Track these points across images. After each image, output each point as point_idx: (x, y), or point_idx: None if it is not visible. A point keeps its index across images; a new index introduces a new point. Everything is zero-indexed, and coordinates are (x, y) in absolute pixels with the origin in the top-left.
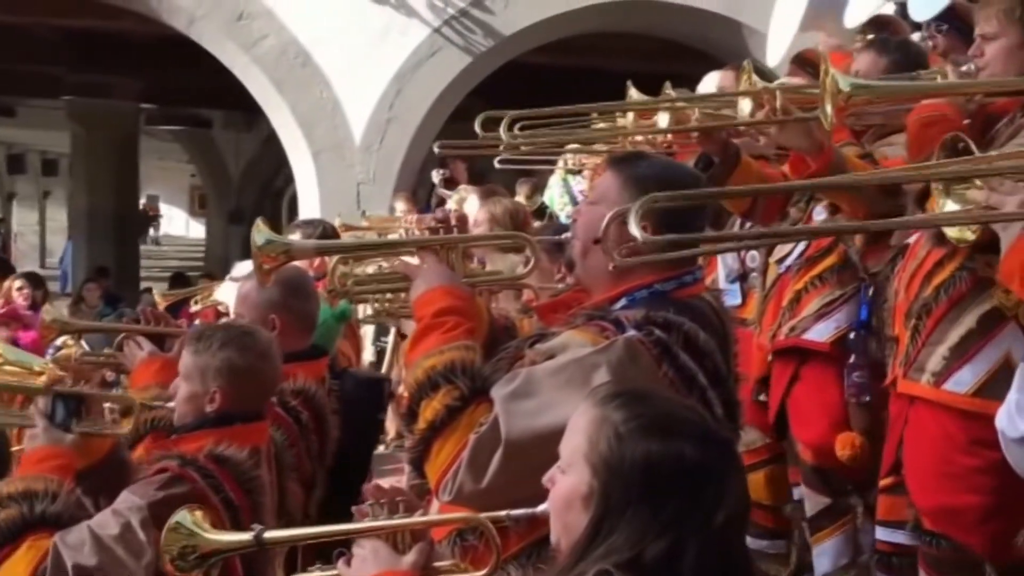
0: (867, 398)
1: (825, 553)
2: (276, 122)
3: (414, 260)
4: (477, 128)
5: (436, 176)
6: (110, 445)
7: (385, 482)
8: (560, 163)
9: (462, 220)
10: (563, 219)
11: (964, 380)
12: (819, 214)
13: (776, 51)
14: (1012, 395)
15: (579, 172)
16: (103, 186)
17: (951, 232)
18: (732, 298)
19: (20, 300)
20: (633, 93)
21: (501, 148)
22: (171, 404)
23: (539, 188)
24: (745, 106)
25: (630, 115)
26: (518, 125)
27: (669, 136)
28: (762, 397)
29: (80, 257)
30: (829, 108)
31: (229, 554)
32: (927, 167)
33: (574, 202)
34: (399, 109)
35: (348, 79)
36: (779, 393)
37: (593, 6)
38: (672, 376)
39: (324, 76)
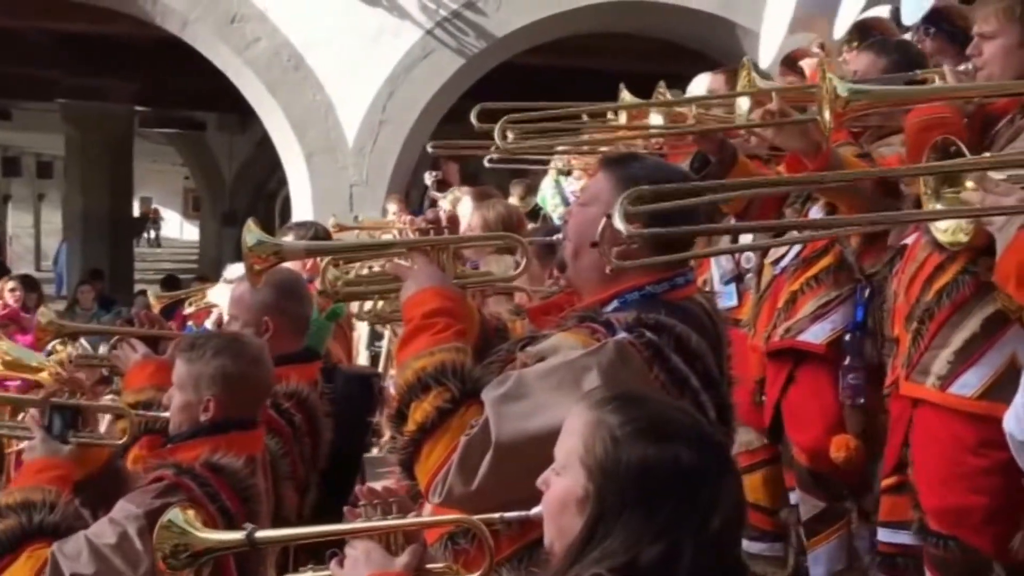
0: (862, 400)
1: (820, 559)
2: (269, 124)
3: (405, 261)
4: (473, 120)
5: (428, 178)
6: (107, 455)
7: (378, 484)
8: (552, 164)
9: (453, 221)
10: (556, 220)
11: (970, 383)
12: (815, 214)
13: (768, 53)
14: (1019, 397)
15: (569, 173)
16: (97, 188)
17: (943, 237)
18: (727, 299)
19: (12, 302)
20: (626, 95)
21: (493, 149)
22: (166, 414)
23: (532, 189)
24: (744, 105)
25: (623, 116)
26: (511, 129)
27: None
28: (762, 398)
29: (74, 259)
30: (827, 114)
31: (221, 553)
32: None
33: (566, 203)
34: (392, 111)
35: (341, 81)
36: (774, 395)
37: (586, 7)
38: (663, 379)
39: (317, 78)
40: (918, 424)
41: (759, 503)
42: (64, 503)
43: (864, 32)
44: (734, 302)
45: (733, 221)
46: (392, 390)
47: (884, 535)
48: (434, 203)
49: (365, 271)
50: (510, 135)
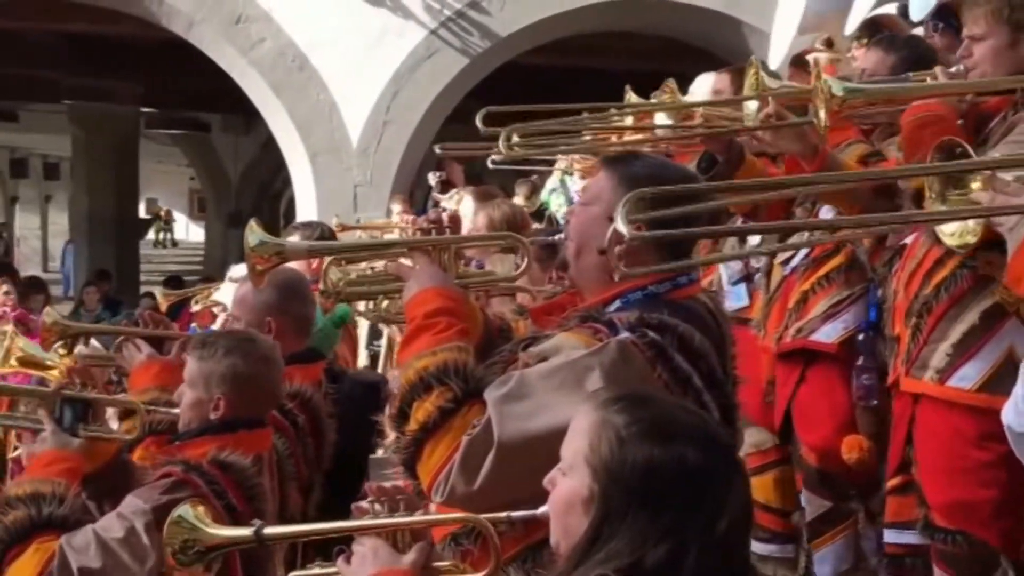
0: (875, 401)
1: (826, 559)
2: (274, 125)
3: (407, 261)
4: (479, 123)
5: (432, 178)
6: (115, 449)
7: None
8: (557, 164)
9: (455, 221)
10: (561, 220)
11: (968, 376)
12: (826, 214)
13: (778, 53)
14: (1018, 389)
15: (571, 173)
16: (103, 189)
17: (951, 241)
18: (737, 300)
19: (6, 305)
20: (632, 97)
21: (498, 152)
22: (176, 410)
23: (537, 189)
24: (752, 105)
25: (628, 118)
26: (516, 136)
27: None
28: (772, 399)
29: (81, 260)
30: (823, 113)
31: (230, 548)
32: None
33: (571, 203)
34: (396, 111)
35: (345, 82)
36: (785, 396)
37: (590, 6)
38: (666, 378)
39: (321, 79)
40: (919, 419)
41: (770, 504)
42: (73, 496)
43: (873, 29)
44: (745, 302)
45: (741, 221)
46: (394, 389)
47: (890, 536)
48: (437, 204)
49: (368, 271)
50: (515, 137)
